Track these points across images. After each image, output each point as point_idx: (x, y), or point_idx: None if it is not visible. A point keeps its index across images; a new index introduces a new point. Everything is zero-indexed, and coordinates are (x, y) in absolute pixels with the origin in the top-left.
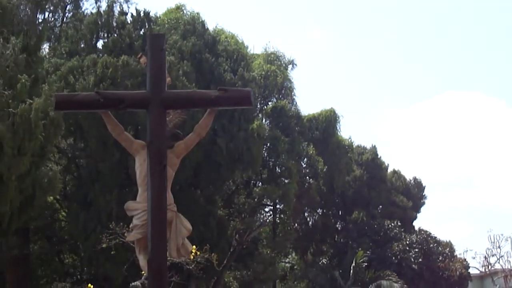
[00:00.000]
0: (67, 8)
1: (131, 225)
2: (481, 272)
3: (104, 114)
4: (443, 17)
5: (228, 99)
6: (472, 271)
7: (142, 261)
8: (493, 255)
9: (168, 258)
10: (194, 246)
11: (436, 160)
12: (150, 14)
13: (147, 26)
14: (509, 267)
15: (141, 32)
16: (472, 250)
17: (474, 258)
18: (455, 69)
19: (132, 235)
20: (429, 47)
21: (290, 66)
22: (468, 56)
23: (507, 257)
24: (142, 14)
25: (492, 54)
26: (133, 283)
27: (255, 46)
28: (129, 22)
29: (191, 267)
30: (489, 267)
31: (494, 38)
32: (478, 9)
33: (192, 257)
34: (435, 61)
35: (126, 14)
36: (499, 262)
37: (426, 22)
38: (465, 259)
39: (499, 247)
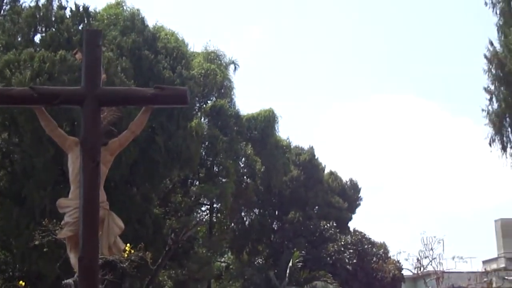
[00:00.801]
0: (5, 1)
1: (62, 222)
2: (413, 273)
3: (38, 110)
4: (376, 19)
5: (164, 97)
6: (405, 272)
7: (73, 259)
8: (425, 257)
9: (101, 256)
10: (128, 244)
11: (371, 162)
12: (90, 9)
13: (86, 21)
14: (441, 269)
15: (80, 27)
16: (405, 252)
17: (407, 259)
18: (389, 71)
19: (63, 232)
20: (365, 49)
21: (231, 66)
22: (401, 59)
23: (439, 259)
24: (81, 9)
25: (424, 56)
26: (65, 281)
27: (195, 44)
28: (68, 16)
29: (125, 265)
30: (422, 268)
31: (426, 40)
32: (409, 13)
33: (126, 255)
34: (370, 63)
35: (65, 8)
36: (431, 264)
37: (360, 23)
38: (398, 261)
39: (431, 249)
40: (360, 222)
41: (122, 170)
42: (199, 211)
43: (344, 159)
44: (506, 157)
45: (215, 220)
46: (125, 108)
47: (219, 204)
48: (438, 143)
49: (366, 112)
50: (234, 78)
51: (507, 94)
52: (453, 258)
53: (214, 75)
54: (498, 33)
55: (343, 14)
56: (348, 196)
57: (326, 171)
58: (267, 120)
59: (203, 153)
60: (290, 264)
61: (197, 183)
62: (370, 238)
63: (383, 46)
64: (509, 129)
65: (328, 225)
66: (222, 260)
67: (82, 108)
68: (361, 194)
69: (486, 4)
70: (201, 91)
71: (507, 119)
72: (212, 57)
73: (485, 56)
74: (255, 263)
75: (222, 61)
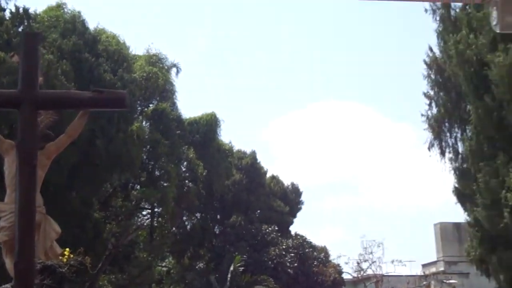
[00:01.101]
0: None
1: None
2: (353, 277)
3: None
4: (319, 25)
5: (103, 101)
6: (345, 276)
7: (9, 264)
8: (365, 261)
9: (39, 261)
10: (67, 249)
11: (313, 167)
12: (30, 11)
13: (26, 23)
14: (381, 272)
15: (20, 29)
16: (345, 256)
17: (347, 263)
18: (333, 77)
19: None
20: (308, 57)
21: (173, 69)
22: (344, 65)
23: (379, 263)
24: (21, 10)
25: (367, 63)
26: (2, 286)
27: (137, 47)
28: (7, 18)
29: (64, 270)
30: (362, 272)
31: (369, 47)
32: (350, 20)
33: (65, 259)
34: (312, 70)
35: (5, 10)
36: (371, 268)
37: (305, 31)
38: (338, 264)
39: (371, 252)
40: (301, 226)
41: (62, 174)
42: (140, 215)
43: (286, 163)
44: (445, 162)
45: (156, 224)
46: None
47: (160, 208)
48: (379, 148)
49: (309, 117)
50: (176, 82)
51: (446, 99)
52: (392, 261)
53: (156, 78)
54: (437, 39)
55: (288, 21)
56: (289, 200)
57: (268, 175)
58: (210, 124)
59: (144, 157)
60: (232, 268)
61: (138, 187)
62: (311, 242)
63: (326, 52)
64: (448, 134)
65: (269, 229)
66: (163, 265)
67: (18, 111)
68: (303, 198)
69: (426, 10)
70: (142, 94)
71: (446, 124)
72: (154, 60)
73: (425, 62)
74: (196, 267)
75: (164, 64)
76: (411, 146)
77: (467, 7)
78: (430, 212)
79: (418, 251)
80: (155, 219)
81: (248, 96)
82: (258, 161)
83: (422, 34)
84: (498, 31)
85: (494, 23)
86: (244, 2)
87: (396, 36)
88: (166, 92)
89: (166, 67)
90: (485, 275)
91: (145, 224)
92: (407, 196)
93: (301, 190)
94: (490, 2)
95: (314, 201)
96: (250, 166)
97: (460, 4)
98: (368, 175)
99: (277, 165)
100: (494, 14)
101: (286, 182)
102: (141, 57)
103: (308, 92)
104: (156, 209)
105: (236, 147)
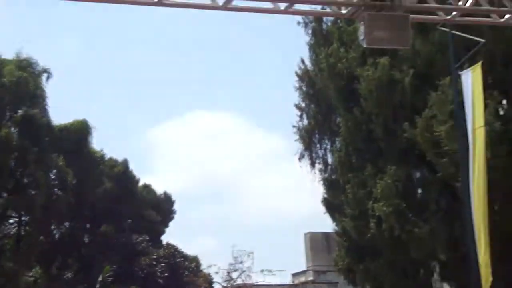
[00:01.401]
0: None
1: None
2: (223, 286)
3: None
4: (195, 39)
5: None
6: (216, 285)
7: None
8: (235, 270)
9: None
10: None
11: (187, 176)
12: None
13: None
14: (250, 282)
15: None
16: (216, 265)
17: (217, 272)
18: (209, 88)
19: None
20: (185, 67)
21: (44, 75)
22: (220, 77)
23: (249, 272)
24: None
25: (243, 75)
26: None
27: (6, 51)
28: None
29: None
30: (231, 281)
31: (246, 59)
32: (226, 31)
33: None
34: (189, 80)
35: None
36: (241, 277)
37: (180, 41)
38: (209, 274)
39: (241, 262)
40: (173, 235)
41: None
42: (7, 224)
43: (159, 172)
44: (315, 172)
45: (23, 233)
46: None
47: (28, 217)
48: (252, 158)
49: (185, 126)
50: (47, 88)
51: (317, 111)
52: (262, 271)
53: (26, 83)
54: (309, 52)
55: (162, 29)
56: (162, 209)
57: (140, 184)
58: (80, 131)
59: (12, 164)
60: (100, 278)
61: (5, 194)
62: (182, 252)
63: (203, 62)
64: (318, 145)
65: (140, 238)
66: (30, 275)
67: None
68: (175, 207)
69: (298, 23)
70: (12, 99)
71: (316, 135)
72: (24, 65)
73: (297, 74)
74: (65, 277)
75: (35, 69)
76: (283, 156)
77: (339, 21)
78: (300, 222)
79: (288, 261)
80: (22, 228)
81: (125, 105)
82: (130, 169)
83: (295, 47)
84: (365, 46)
85: (361, 37)
86: (119, 8)
87: (270, 48)
88: (36, 98)
89: (37, 72)
90: (352, 284)
91: (11, 232)
92: (279, 206)
93: (173, 199)
94: (358, 17)
95: (187, 210)
96: (122, 174)
97: (332, 18)
98: (241, 185)
99: (153, 174)
100: (362, 29)
101: (159, 191)
102: (11, 61)
103: (184, 101)
104: (23, 217)
105: (108, 155)
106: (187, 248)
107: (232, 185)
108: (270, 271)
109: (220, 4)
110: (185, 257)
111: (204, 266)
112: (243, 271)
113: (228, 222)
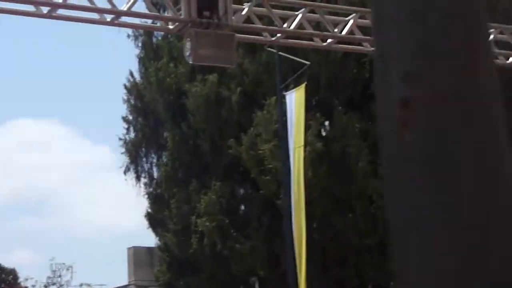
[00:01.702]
0: None
1: None
2: None
3: None
4: (23, 45)
5: None
6: None
7: None
8: (53, 284)
9: None
10: None
11: (4, 186)
12: None
13: None
14: None
15: None
16: (33, 278)
17: (34, 286)
18: (32, 96)
19: None
20: (6, 73)
21: None
22: (45, 85)
23: (67, 286)
24: None
25: (70, 83)
26: None
27: None
28: None
29: None
30: None
31: (73, 68)
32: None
33: None
34: (11, 87)
35: None
36: None
37: (7, 47)
38: (26, 287)
39: (59, 276)
40: None
41: None
42: None
43: None
44: (140, 186)
45: None
46: None
47: None
48: (77, 169)
49: (7, 135)
50: None
51: (145, 125)
52: (81, 285)
53: None
54: (139, 65)
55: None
56: None
57: None
58: None
59: None
60: None
61: None
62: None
63: (27, 69)
64: (145, 159)
65: None
66: None
67: None
68: None
69: (128, 36)
70: None
71: (143, 149)
72: None
73: (125, 87)
74: None
75: None
76: (110, 169)
77: (169, 36)
78: (125, 235)
79: (111, 275)
80: None
81: None
82: None
83: (125, 59)
84: (190, 62)
85: (187, 54)
86: None
87: (99, 59)
88: None
89: None
90: None
91: None
92: (103, 219)
93: None
94: (185, 34)
95: (4, 221)
96: None
97: (162, 32)
98: (64, 197)
99: None
100: (188, 45)
101: None
102: None
103: (6, 109)
104: None
105: None
106: (4, 260)
107: (55, 197)
108: (89, 285)
109: (45, 12)
110: (2, 269)
111: (21, 279)
112: (61, 285)
113: (49, 234)
